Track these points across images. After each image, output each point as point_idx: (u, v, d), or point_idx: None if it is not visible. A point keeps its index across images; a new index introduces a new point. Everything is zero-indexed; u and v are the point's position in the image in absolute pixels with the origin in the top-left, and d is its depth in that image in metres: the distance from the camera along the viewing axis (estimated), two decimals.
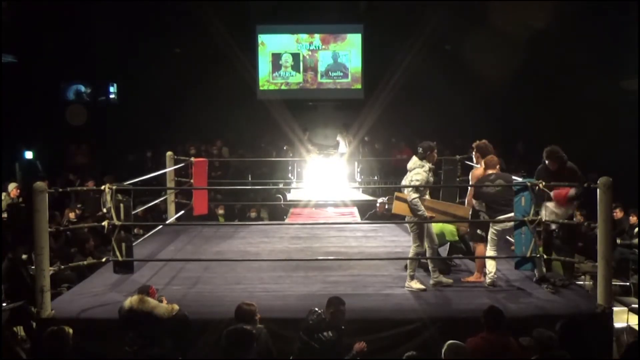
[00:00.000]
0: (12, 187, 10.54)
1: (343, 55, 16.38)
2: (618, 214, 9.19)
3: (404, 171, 6.31)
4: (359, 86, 16.38)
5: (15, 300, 6.51)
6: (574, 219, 7.09)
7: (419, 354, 4.11)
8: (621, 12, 12.52)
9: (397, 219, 10.99)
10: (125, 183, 6.52)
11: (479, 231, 6.45)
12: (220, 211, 10.98)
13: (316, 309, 4.94)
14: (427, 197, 6.26)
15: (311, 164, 12.58)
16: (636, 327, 6.05)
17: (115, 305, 5.33)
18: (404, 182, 6.15)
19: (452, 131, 15.16)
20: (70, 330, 4.48)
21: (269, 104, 16.28)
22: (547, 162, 6.43)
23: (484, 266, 6.32)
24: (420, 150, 6.14)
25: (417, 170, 6.03)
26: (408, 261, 6.29)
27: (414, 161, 6.13)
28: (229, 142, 15.54)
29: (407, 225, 6.52)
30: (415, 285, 6.12)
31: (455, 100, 15.35)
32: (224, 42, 15.74)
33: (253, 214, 11.13)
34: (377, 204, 10.92)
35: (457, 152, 9.96)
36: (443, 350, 4.15)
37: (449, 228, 6.71)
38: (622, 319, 6.18)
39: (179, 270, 6.83)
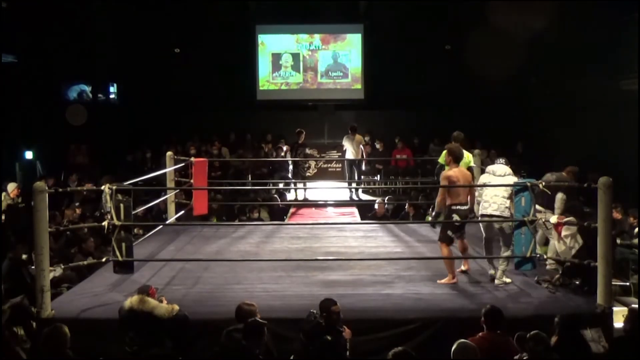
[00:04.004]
0: (12, 187, 10.53)
1: (343, 55, 16.36)
2: (617, 214, 9.17)
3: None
4: (359, 86, 16.36)
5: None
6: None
7: (407, 349, 4.11)
8: (621, 12, 12.51)
9: (397, 219, 11.00)
10: (126, 183, 6.53)
11: (449, 232, 6.47)
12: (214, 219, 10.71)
13: (313, 310, 4.94)
14: None
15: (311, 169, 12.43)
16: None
17: (115, 305, 5.33)
18: (500, 195, 6.37)
19: (451, 131, 15.12)
20: (66, 329, 4.47)
21: (269, 104, 16.30)
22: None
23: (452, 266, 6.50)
24: (505, 160, 6.75)
25: (513, 177, 6.48)
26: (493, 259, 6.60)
27: (504, 169, 6.51)
28: (229, 142, 15.54)
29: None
30: (508, 279, 6.35)
31: (455, 100, 15.36)
32: (224, 42, 15.76)
33: (255, 215, 11.12)
34: (376, 205, 10.89)
35: None
36: (452, 350, 4.17)
37: None
38: (622, 319, 6.17)
39: (179, 270, 6.84)
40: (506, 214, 6.30)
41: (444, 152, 7.46)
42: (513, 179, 6.39)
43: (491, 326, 4.65)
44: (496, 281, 6.36)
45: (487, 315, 4.70)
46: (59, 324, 4.56)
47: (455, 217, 6.37)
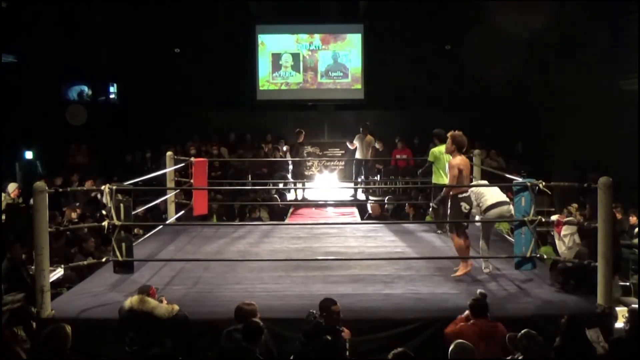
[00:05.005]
0: (13, 187, 10.52)
1: (343, 55, 16.36)
2: (617, 214, 9.16)
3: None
4: (359, 86, 16.36)
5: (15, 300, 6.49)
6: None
7: (407, 350, 4.14)
8: (621, 12, 12.51)
9: (397, 219, 10.97)
10: (126, 183, 6.53)
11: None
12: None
13: (312, 311, 4.94)
14: None
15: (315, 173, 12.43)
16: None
17: (115, 305, 5.34)
18: (498, 189, 6.88)
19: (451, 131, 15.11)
20: (69, 328, 4.47)
21: (269, 104, 16.31)
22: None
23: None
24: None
25: None
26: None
27: (485, 183, 7.19)
28: (229, 142, 15.55)
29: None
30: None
31: (455, 100, 15.36)
32: (224, 43, 15.77)
33: (255, 215, 11.11)
34: (370, 206, 10.72)
35: None
36: (450, 350, 4.23)
37: None
38: (622, 319, 6.17)
39: (179, 270, 6.83)
40: (506, 200, 6.72)
41: (433, 150, 8.24)
42: None
43: (478, 314, 4.97)
44: (485, 269, 6.65)
45: (473, 307, 5.02)
46: (61, 323, 4.56)
47: (464, 204, 6.46)
